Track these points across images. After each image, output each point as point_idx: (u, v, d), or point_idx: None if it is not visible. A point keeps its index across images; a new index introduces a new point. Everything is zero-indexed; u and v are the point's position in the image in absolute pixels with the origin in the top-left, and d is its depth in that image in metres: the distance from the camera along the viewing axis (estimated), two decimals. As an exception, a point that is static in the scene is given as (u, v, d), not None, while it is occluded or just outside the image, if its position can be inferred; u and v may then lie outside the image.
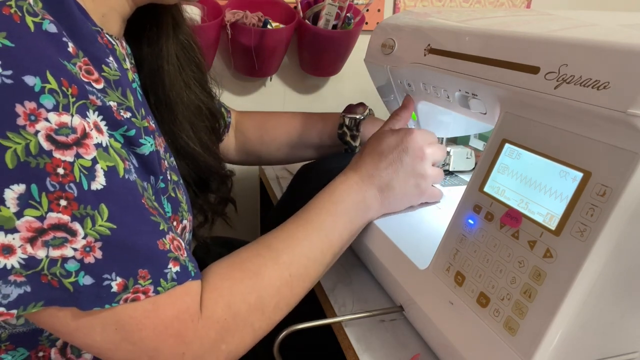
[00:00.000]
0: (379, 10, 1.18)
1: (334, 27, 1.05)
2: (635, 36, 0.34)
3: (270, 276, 0.45)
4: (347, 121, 0.75)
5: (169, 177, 0.47)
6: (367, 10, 1.07)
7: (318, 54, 1.10)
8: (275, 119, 0.81)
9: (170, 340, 0.38)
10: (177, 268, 0.39)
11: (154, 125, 0.47)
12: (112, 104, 0.38)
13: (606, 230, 0.32)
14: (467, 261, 0.43)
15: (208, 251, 0.79)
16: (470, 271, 0.42)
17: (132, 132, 0.39)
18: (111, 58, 0.41)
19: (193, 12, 0.94)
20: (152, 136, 0.43)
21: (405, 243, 0.52)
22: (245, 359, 0.67)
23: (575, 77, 0.34)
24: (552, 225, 0.36)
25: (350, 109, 0.78)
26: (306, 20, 1.03)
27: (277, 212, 0.69)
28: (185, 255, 0.41)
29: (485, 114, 0.50)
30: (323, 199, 0.53)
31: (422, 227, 0.57)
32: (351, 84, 1.24)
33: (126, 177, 0.37)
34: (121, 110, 0.39)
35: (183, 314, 0.39)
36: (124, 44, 0.49)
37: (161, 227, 0.39)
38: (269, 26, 1.00)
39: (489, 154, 0.43)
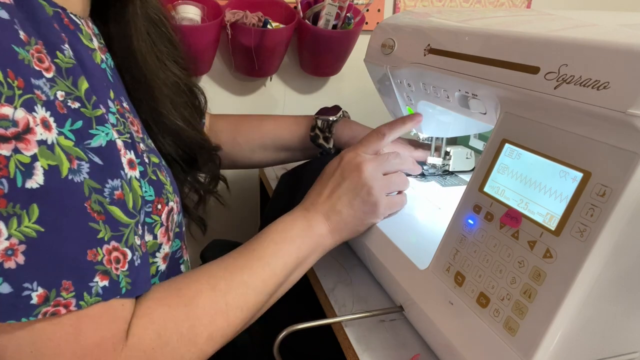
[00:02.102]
0: (379, 10, 1.18)
1: (334, 27, 1.05)
2: (635, 36, 0.34)
3: (205, 304, 0.43)
4: (319, 123, 0.75)
5: (146, 160, 0.45)
6: (367, 10, 1.07)
7: (318, 54, 1.10)
8: (248, 122, 0.80)
9: None
10: (105, 283, 0.35)
11: (127, 107, 0.45)
12: (60, 93, 0.35)
13: (606, 230, 0.32)
14: (467, 261, 0.43)
15: (208, 255, 0.79)
16: (470, 271, 0.42)
17: (79, 124, 0.36)
18: (67, 45, 0.38)
19: (193, 12, 0.94)
20: (110, 124, 0.40)
21: (405, 243, 0.52)
22: (245, 359, 0.67)
23: (575, 77, 0.34)
24: (552, 226, 0.36)
25: (324, 111, 0.78)
26: (306, 20, 1.03)
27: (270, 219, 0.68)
28: (126, 268, 0.37)
29: (485, 114, 0.50)
30: (269, 229, 0.52)
31: (422, 227, 0.57)
32: (351, 84, 1.24)
33: (69, 177, 0.34)
34: (69, 101, 0.36)
35: (106, 341, 0.36)
36: (90, 23, 0.47)
37: (100, 236, 0.35)
38: (269, 26, 1.00)
39: (489, 154, 0.43)
